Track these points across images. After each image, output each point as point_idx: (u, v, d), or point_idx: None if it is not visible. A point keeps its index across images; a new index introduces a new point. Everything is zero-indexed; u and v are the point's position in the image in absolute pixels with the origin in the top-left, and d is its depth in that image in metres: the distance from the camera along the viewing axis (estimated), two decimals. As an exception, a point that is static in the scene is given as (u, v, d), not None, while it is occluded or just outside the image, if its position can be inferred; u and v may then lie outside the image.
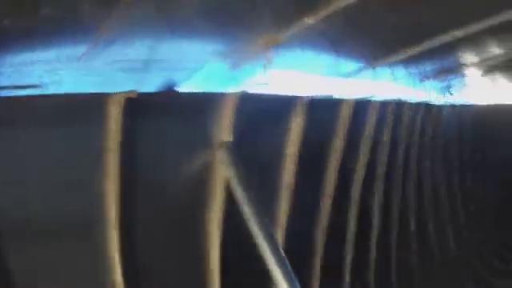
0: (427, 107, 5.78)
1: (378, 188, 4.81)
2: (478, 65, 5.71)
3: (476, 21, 3.35)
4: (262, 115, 2.93)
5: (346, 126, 3.69)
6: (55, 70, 2.26)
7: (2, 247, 2.26)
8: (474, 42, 4.31)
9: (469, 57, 5.35)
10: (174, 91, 2.42)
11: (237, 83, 2.73)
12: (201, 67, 2.53)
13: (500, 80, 7.17)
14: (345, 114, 3.64)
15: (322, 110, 3.35)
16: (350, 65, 3.48)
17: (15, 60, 2.08)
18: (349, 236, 4.43)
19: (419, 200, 5.86)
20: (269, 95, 2.91)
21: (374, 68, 3.58)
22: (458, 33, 3.39)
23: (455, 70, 5.76)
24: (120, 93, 2.21)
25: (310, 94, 3.18)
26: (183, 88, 2.49)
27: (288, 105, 3.06)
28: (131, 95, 2.20)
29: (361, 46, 3.15)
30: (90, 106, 2.26)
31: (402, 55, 3.51)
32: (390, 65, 3.94)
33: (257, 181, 2.91)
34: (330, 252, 4.02)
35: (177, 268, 2.89)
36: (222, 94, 2.63)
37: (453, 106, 6.58)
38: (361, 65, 3.55)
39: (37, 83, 2.10)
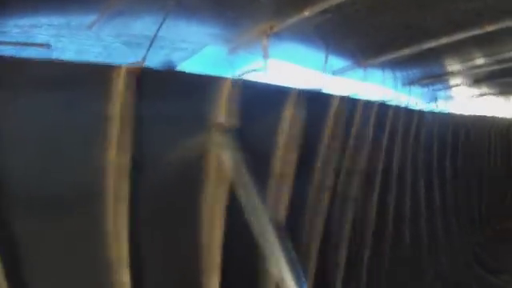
0: (410, 112, 5.89)
1: (354, 189, 4.87)
2: (462, 74, 5.85)
3: (462, 30, 3.50)
4: (256, 102, 3.03)
5: (334, 120, 3.82)
6: (60, 36, 2.33)
7: (4, 212, 2.27)
8: (458, 50, 4.46)
9: (453, 65, 5.48)
10: (174, 70, 2.52)
11: (233, 68, 2.85)
12: (200, 49, 2.64)
13: (483, 90, 7.34)
14: (333, 109, 3.77)
15: (312, 102, 3.47)
16: (339, 62, 3.62)
17: (22, 22, 2.11)
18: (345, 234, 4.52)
19: (397, 204, 5.92)
20: (263, 83, 3.01)
21: (364, 68, 3.72)
22: (445, 39, 3.54)
23: (440, 77, 5.88)
24: (124, 65, 2.28)
25: (301, 87, 3.31)
26: (182, 68, 2.60)
27: (281, 94, 3.17)
28: (135, 69, 2.28)
29: (351, 44, 3.29)
30: (94, 75, 2.30)
31: (390, 56, 3.65)
32: (379, 66, 4.09)
33: (250, 166, 3.00)
34: (325, 244, 4.12)
35: (178, 247, 2.95)
36: (220, 78, 2.74)
37: (433, 113, 6.71)
38: (350, 63, 3.69)
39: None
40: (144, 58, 2.22)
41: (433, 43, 3.46)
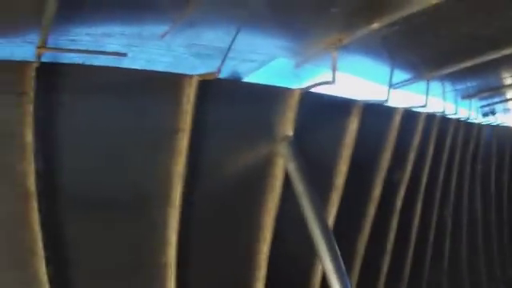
0: (469, 125, 5.70)
1: (418, 202, 4.76)
2: None
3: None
4: (321, 114, 2.99)
5: (396, 134, 3.71)
6: (132, 46, 2.36)
7: (64, 213, 2.32)
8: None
9: (508, 78, 5.27)
10: (242, 81, 2.51)
11: (300, 81, 2.81)
12: (268, 61, 2.62)
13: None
14: (396, 123, 3.66)
15: (375, 115, 3.39)
16: (402, 75, 3.52)
17: (94, 30, 2.14)
18: (388, 247, 4.39)
19: (455, 220, 5.75)
20: (329, 96, 2.97)
21: (427, 80, 3.60)
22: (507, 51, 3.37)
23: (498, 89, 5.68)
24: (196, 75, 2.28)
25: (365, 99, 3.23)
26: (250, 79, 2.59)
27: (345, 107, 3.12)
28: (206, 78, 2.27)
29: (415, 56, 3.19)
30: (164, 84, 2.33)
31: (454, 68, 3.52)
32: (440, 78, 3.95)
33: (312, 177, 2.96)
34: (368, 260, 4.01)
35: (227, 255, 2.94)
36: (287, 89, 2.71)
37: (493, 127, 6.47)
38: (413, 75, 3.58)
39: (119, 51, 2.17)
40: (219, 69, 2.22)
41: (498, 54, 3.31)
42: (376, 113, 3.43)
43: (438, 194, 5.19)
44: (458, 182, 5.66)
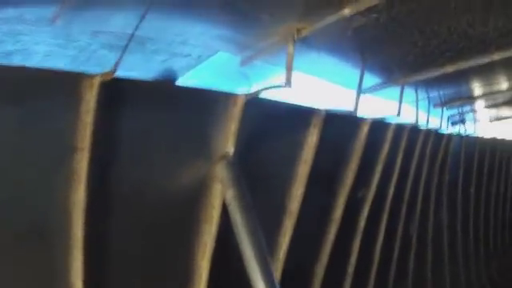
0: (438, 135, 5.27)
1: (383, 220, 4.26)
2: (486, 97, 5.32)
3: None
4: (272, 126, 2.35)
5: (363, 147, 3.13)
6: (18, 35, 1.67)
7: None
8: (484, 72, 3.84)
9: (480, 87, 4.91)
10: (169, 82, 1.84)
11: (248, 83, 2.16)
12: (208, 56, 1.95)
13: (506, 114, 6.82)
14: (362, 134, 3.07)
15: (338, 127, 2.79)
16: (373, 78, 2.94)
17: None
18: (349, 270, 3.87)
19: (420, 236, 5.35)
20: (283, 103, 2.33)
21: (401, 85, 3.04)
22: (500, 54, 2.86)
23: (468, 99, 5.31)
24: (97, 75, 1.57)
25: (327, 107, 2.61)
26: (181, 80, 1.92)
27: (303, 117, 2.48)
28: (108, 77, 1.58)
29: (390, 56, 2.61)
30: (57, 88, 1.63)
31: (434, 73, 2.97)
32: (413, 84, 3.41)
33: (259, 202, 2.34)
34: (328, 284, 3.46)
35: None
36: (228, 95, 2.06)
37: (461, 137, 6.10)
38: (386, 80, 3.01)
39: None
40: (116, 66, 1.51)
41: (489, 58, 2.78)
42: (340, 123, 2.84)
43: (403, 209, 4.75)
44: (424, 195, 5.26)
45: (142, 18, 1.50)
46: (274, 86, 1.97)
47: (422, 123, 4.57)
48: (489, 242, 7.85)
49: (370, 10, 1.73)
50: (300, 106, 2.44)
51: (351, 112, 2.74)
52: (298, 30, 1.82)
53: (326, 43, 2.10)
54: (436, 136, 5.11)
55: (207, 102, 2.00)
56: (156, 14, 1.67)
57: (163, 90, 1.86)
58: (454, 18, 2.26)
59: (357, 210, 3.71)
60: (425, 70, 2.93)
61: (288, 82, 1.86)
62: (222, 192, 2.10)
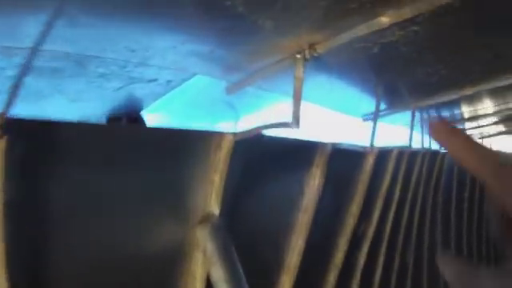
0: (433, 154, 4.89)
1: (381, 254, 3.82)
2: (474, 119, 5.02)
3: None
4: (267, 169, 1.83)
5: (367, 179, 2.64)
6: None
7: None
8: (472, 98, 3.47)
9: (468, 111, 4.59)
10: (126, 122, 1.31)
11: (234, 116, 1.63)
12: (182, 81, 1.41)
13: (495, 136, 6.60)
14: (368, 166, 2.58)
15: (342, 160, 2.29)
16: (383, 103, 2.46)
17: None
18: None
19: (416, 263, 4.97)
20: (278, 139, 1.81)
21: (412, 110, 2.58)
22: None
23: (459, 121, 4.98)
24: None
25: (331, 141, 2.10)
26: (143, 114, 1.37)
27: (304, 156, 1.96)
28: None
29: (407, 78, 2.13)
30: None
31: (448, 97, 2.52)
32: (426, 109, 2.96)
33: (251, 261, 1.81)
34: None
35: None
36: (210, 135, 1.52)
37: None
38: (398, 105, 2.54)
39: None
40: (8, 104, 0.95)
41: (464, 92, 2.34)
42: (343, 157, 2.34)
43: (400, 239, 4.33)
44: (420, 219, 4.87)
45: (49, 25, 0.94)
46: (276, 125, 1.44)
47: (417, 145, 4.19)
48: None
49: (411, 20, 1.24)
50: (299, 141, 1.91)
51: (355, 144, 2.25)
52: (311, 46, 1.29)
53: (340, 63, 1.59)
54: (431, 155, 4.74)
55: (182, 146, 1.46)
56: (97, 19, 1.13)
57: (119, 133, 1.31)
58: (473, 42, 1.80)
59: (356, 248, 3.23)
60: (442, 94, 2.48)
61: (295, 120, 1.33)
62: (204, 262, 1.56)
